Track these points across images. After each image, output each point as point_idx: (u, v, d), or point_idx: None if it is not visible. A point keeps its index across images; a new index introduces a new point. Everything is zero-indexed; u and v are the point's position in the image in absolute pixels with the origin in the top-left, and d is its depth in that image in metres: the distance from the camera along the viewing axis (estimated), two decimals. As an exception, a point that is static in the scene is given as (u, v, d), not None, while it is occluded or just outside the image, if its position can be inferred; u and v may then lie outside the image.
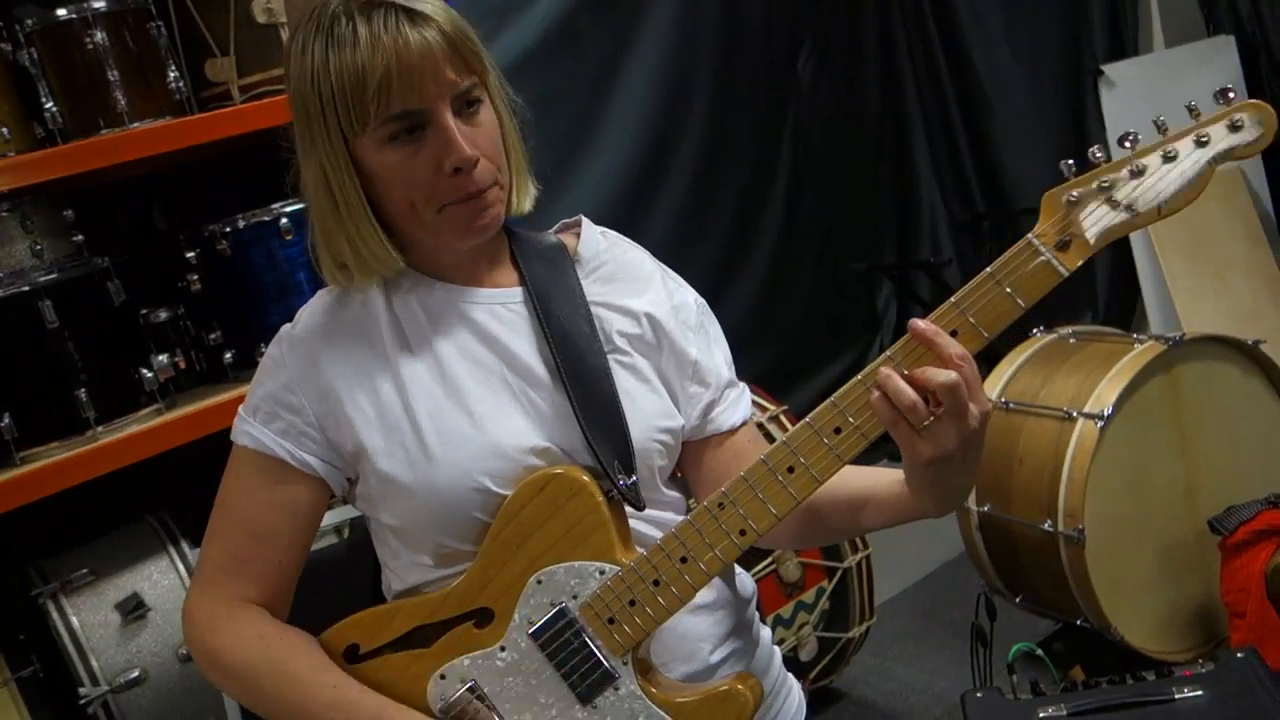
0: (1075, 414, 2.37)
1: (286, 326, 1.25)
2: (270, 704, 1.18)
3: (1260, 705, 1.63)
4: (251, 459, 1.20)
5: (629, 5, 3.54)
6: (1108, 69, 3.95)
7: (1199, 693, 1.68)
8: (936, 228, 4.42)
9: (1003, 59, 4.23)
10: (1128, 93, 3.90)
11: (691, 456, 1.28)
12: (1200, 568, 2.45)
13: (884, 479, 1.16)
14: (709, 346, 1.27)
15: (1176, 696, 1.68)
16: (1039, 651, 2.05)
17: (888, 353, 1.04)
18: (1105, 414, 2.32)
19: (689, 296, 1.29)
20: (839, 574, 2.50)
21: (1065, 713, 1.71)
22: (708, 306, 1.31)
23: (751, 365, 3.46)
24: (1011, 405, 2.55)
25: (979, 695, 1.82)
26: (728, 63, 3.75)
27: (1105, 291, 4.33)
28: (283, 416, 1.19)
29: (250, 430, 1.20)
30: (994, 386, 2.63)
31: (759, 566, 2.40)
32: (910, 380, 1.01)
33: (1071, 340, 2.66)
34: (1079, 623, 2.46)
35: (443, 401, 1.17)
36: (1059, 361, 2.58)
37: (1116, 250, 4.15)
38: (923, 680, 2.71)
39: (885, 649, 2.82)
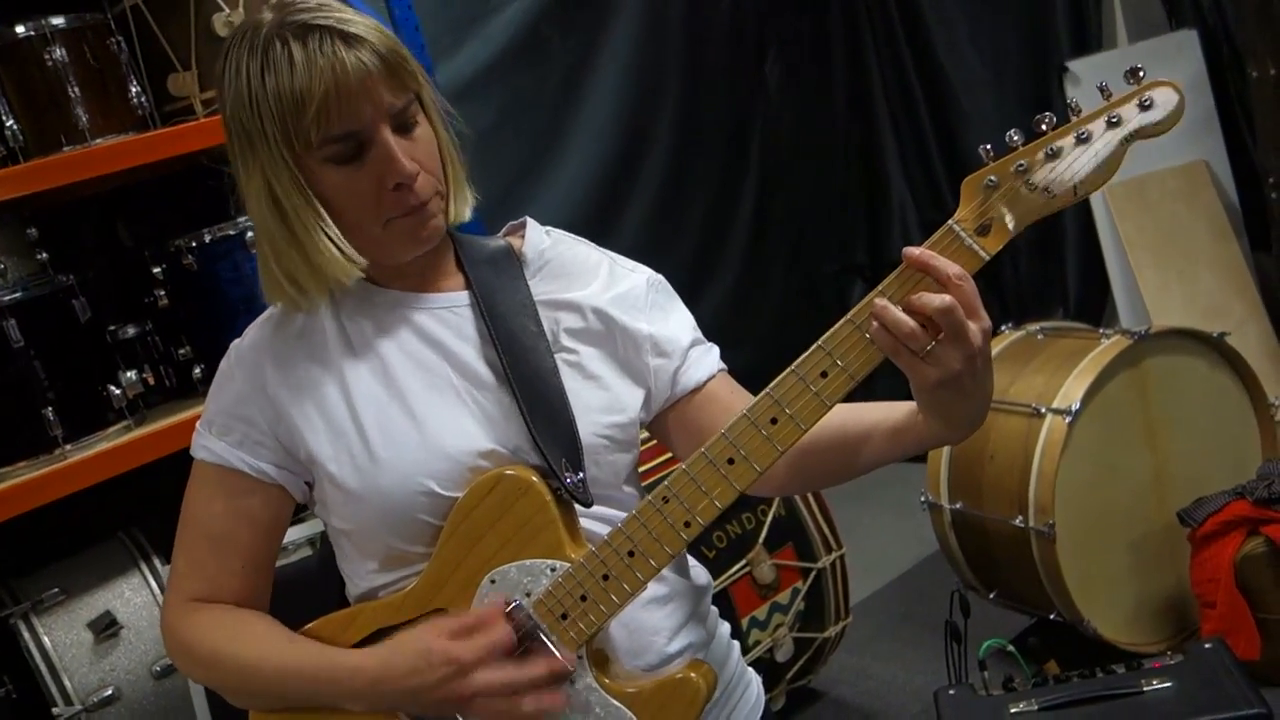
0: (1044, 410, 2.39)
1: (236, 341, 1.27)
2: (235, 676, 1.20)
3: (1227, 695, 1.65)
4: (210, 472, 1.22)
5: (594, 11, 3.55)
6: (1072, 65, 3.98)
7: (1167, 684, 1.70)
8: (907, 227, 4.44)
9: (969, 57, 4.25)
10: (1092, 88, 3.91)
11: (671, 425, 1.28)
12: (1171, 559, 2.48)
13: (892, 413, 1.16)
14: (665, 319, 1.28)
15: (1145, 689, 1.71)
16: (1010, 647, 2.06)
17: (879, 288, 1.04)
18: (1073, 409, 2.34)
19: (639, 279, 1.29)
20: (813, 574, 2.51)
21: (1036, 707, 1.73)
22: (665, 283, 1.31)
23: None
24: (981, 402, 2.57)
25: (951, 692, 1.84)
26: (695, 67, 3.76)
27: (1075, 288, 4.36)
28: (237, 428, 1.21)
29: (207, 444, 1.23)
30: (964, 384, 2.64)
31: (733, 569, 2.41)
32: (906, 308, 1.01)
33: (1039, 336, 2.69)
34: (1053, 617, 2.48)
35: (388, 406, 1.19)
36: (1027, 358, 2.60)
37: (1085, 246, 4.18)
38: (900, 678, 2.72)
39: (862, 648, 2.83)
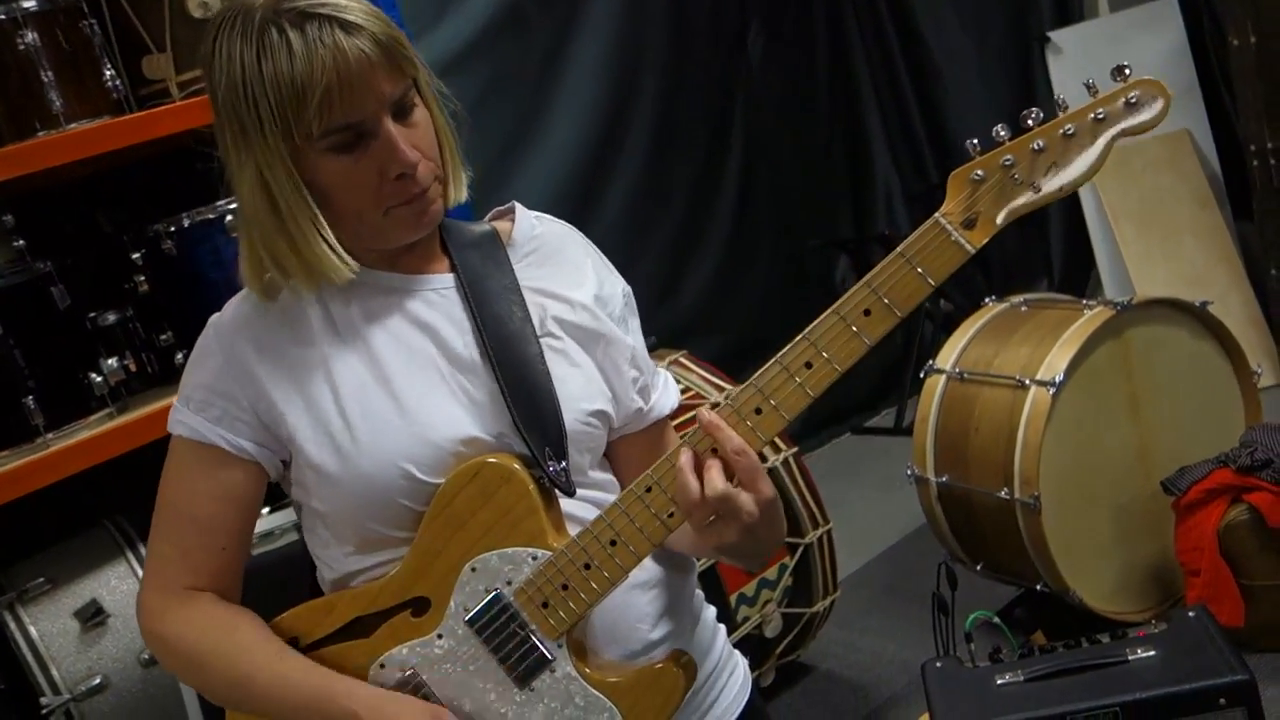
0: (1028, 382, 2.40)
1: (215, 315, 1.25)
2: (220, 682, 1.21)
3: (1210, 662, 1.66)
4: (189, 448, 1.21)
5: (575, -14, 3.52)
6: (1054, 35, 3.98)
7: (1151, 653, 1.71)
8: (891, 200, 4.44)
9: (951, 29, 4.24)
10: (1074, 58, 3.93)
11: (635, 448, 1.29)
12: (1155, 528, 2.49)
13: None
14: (637, 333, 1.30)
15: (1130, 657, 1.71)
16: (996, 619, 2.07)
17: (684, 439, 1.10)
18: (1057, 380, 2.35)
19: (618, 286, 1.30)
20: (801, 550, 2.52)
21: (1022, 678, 1.73)
22: (633, 296, 1.33)
23: (710, 345, 3.45)
24: (965, 375, 2.58)
25: (938, 665, 1.85)
26: (676, 43, 3.74)
27: (1060, 259, 4.37)
28: (216, 404, 1.20)
29: (185, 420, 1.21)
30: (948, 356, 2.65)
31: (721, 546, 2.41)
32: (700, 469, 1.08)
33: (1023, 308, 2.69)
34: (1039, 588, 2.49)
35: (372, 388, 1.18)
36: (1011, 330, 2.60)
37: (1070, 217, 4.19)
38: (888, 651, 2.74)
39: (850, 621, 2.85)
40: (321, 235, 1.14)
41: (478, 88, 3.29)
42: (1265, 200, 3.40)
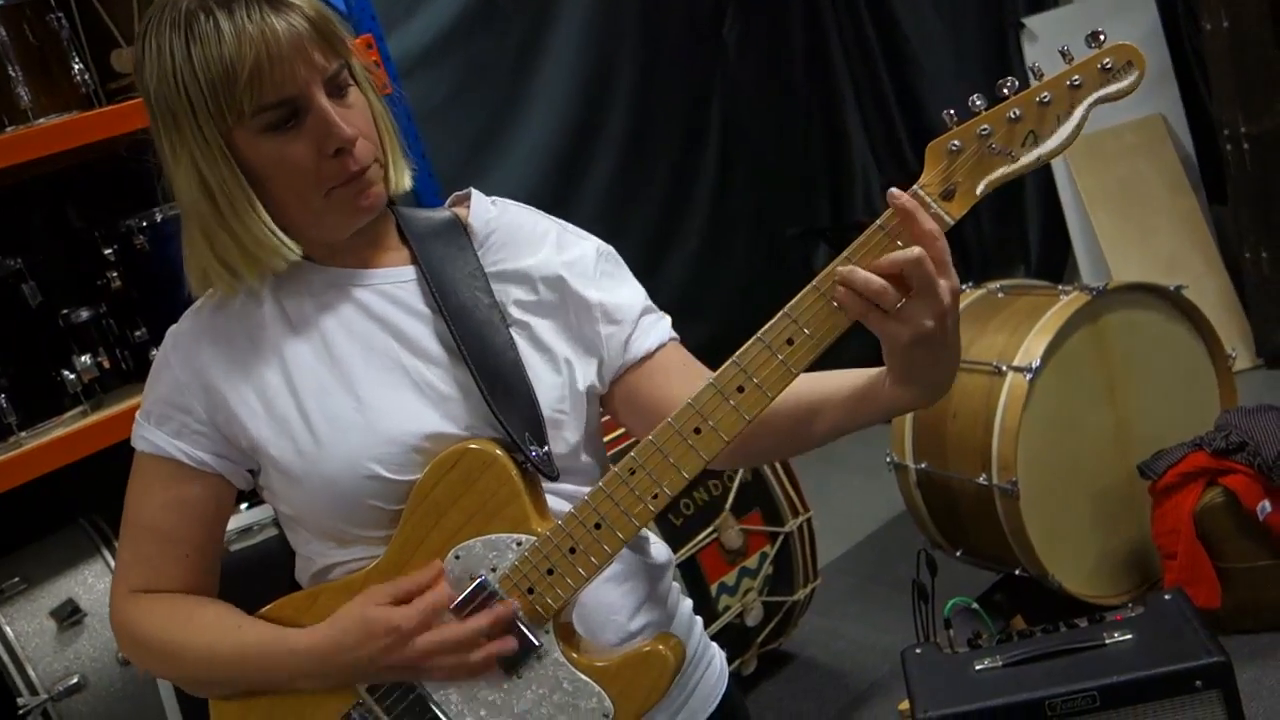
0: (1004, 368, 2.41)
1: (173, 326, 1.24)
2: (188, 665, 1.20)
3: (1187, 645, 1.68)
4: (150, 463, 1.20)
5: (549, -24, 3.51)
6: (1029, 22, 3.99)
7: (1128, 636, 1.73)
8: (870, 188, 4.45)
9: (927, 15, 4.25)
10: (1049, 44, 3.93)
11: (621, 396, 1.25)
12: (1132, 512, 2.51)
13: (854, 380, 1.14)
14: (615, 287, 1.25)
15: (1107, 641, 1.73)
16: (975, 605, 2.08)
17: (843, 255, 1.04)
18: (1034, 366, 2.36)
19: (588, 248, 1.26)
20: (781, 538, 2.53)
21: (1000, 663, 1.75)
22: (614, 253, 1.28)
23: (689, 335, 3.43)
24: (943, 362, 2.58)
25: (918, 651, 1.86)
26: (652, 32, 3.73)
27: (1037, 244, 4.39)
28: (175, 418, 1.19)
29: (146, 435, 1.20)
30: (926, 344, 2.66)
31: (700, 536, 2.41)
32: (874, 270, 1.01)
33: (999, 295, 2.70)
34: (1018, 573, 2.51)
35: (332, 389, 1.16)
36: (988, 316, 2.61)
37: (1046, 203, 4.20)
38: (870, 638, 2.75)
39: (831, 609, 2.85)
40: (260, 218, 1.12)
41: (453, 80, 3.27)
42: (1239, 184, 3.42)
